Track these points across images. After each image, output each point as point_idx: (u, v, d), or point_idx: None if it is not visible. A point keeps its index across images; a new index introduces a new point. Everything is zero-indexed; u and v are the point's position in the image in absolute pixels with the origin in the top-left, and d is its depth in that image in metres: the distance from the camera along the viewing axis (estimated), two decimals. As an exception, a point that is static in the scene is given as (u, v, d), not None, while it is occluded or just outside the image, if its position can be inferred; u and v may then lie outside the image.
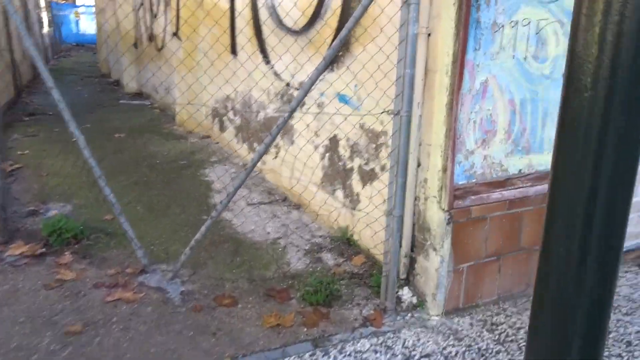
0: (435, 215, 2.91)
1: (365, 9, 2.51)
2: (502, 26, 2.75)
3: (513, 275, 3.29)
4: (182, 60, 6.57)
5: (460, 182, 2.91)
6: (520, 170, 3.13)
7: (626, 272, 3.89)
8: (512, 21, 2.77)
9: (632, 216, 4.06)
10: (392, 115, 2.68)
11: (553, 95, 3.07)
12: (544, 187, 3.25)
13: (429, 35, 2.73)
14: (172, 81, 7.40)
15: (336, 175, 3.82)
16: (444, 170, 2.84)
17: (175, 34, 7.50)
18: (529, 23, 2.84)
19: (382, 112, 2.75)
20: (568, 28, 2.99)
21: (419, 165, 2.97)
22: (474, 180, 2.97)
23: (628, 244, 4.03)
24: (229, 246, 3.65)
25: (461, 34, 2.61)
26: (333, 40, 3.62)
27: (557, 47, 2.99)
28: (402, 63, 2.58)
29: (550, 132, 3.15)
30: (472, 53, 2.70)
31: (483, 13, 2.66)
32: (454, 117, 2.75)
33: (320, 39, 3.74)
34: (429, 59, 2.75)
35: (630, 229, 4.05)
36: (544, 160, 3.20)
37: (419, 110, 2.85)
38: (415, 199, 3.04)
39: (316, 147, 4.05)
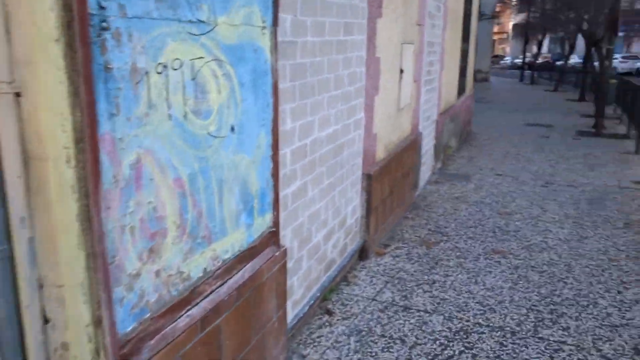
0: (97, 399, 1.68)
1: None
2: (147, 73, 1.72)
3: (221, 408, 2.36)
4: None
5: (128, 329, 1.76)
6: (205, 269, 2.19)
7: (320, 327, 3.48)
8: (159, 64, 1.77)
9: (311, 263, 3.71)
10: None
11: (225, 158, 2.25)
12: (236, 280, 2.41)
13: (18, 95, 1.45)
14: None
15: None
16: (97, 323, 1.64)
17: None
18: (182, 65, 1.90)
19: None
20: (228, 68, 2.19)
21: (46, 322, 1.65)
22: (148, 315, 1.86)
23: (313, 292, 3.67)
24: None
25: (83, 90, 1.45)
26: None
27: (220, 94, 2.16)
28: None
29: (230, 205, 2.32)
30: (108, 122, 1.57)
31: (113, 54, 1.56)
32: (96, 232, 1.57)
33: None
34: (29, 138, 1.48)
35: (312, 275, 3.69)
36: (229, 245, 2.36)
37: (26, 232, 1.54)
38: (53, 377, 1.72)
39: None
